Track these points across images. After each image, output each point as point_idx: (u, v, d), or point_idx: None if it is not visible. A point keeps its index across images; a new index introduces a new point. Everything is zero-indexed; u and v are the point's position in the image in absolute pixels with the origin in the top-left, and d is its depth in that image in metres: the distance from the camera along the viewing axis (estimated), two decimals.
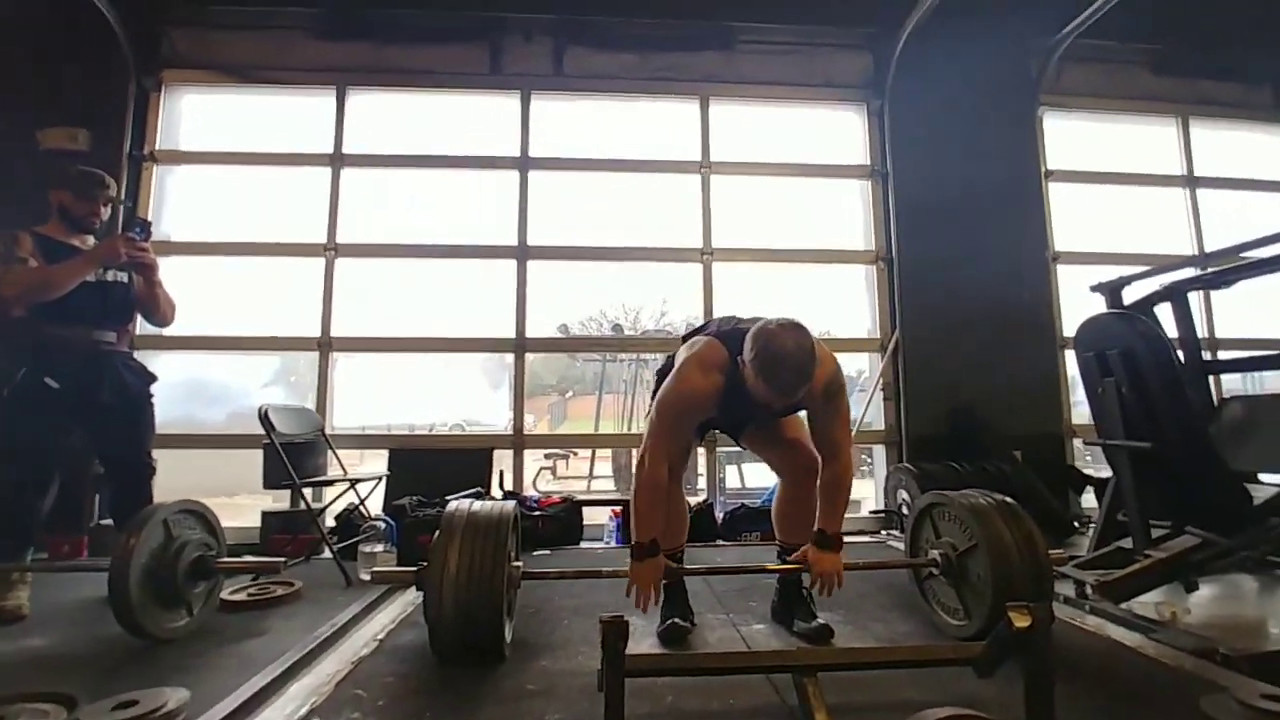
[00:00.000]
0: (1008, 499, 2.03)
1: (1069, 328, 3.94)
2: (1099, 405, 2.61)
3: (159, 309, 2.55)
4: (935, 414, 4.11)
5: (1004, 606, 1.24)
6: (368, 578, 2.38)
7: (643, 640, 1.98)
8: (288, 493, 3.47)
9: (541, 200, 4.36)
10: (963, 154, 4.33)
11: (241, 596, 2.42)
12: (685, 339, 2.05)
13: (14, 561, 2.28)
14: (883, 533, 3.91)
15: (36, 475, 2.34)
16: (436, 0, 4.24)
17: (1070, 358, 4.12)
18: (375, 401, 4.64)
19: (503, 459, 4.08)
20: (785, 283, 4.55)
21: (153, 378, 2.59)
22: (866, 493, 4.54)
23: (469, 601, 1.73)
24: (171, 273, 3.00)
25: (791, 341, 1.66)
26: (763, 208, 4.53)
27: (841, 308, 4.64)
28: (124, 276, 2.47)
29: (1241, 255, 2.87)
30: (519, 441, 4.18)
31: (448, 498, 3.16)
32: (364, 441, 4.37)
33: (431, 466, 3.79)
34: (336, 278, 4.14)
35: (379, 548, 2.94)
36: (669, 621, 2.01)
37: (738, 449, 2.43)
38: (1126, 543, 2.51)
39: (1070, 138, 4.73)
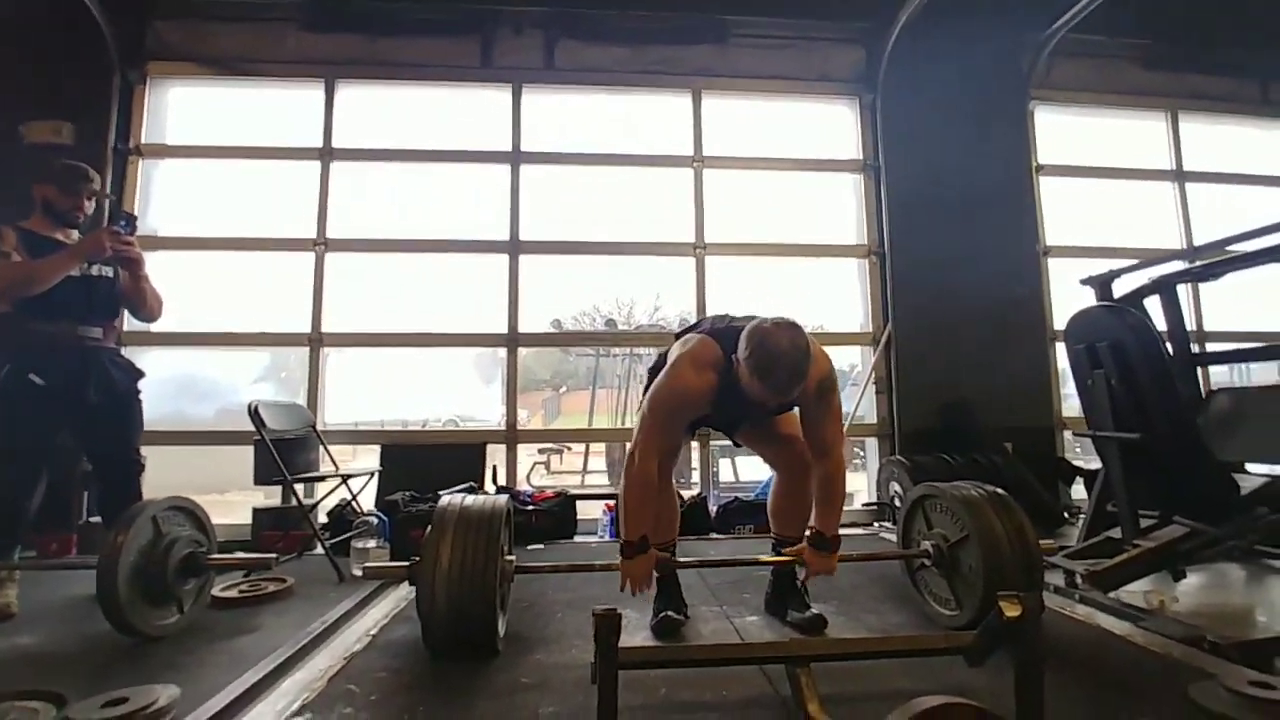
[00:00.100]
0: (999, 490, 2.05)
1: (1059, 321, 3.96)
2: (1089, 397, 2.63)
3: (145, 304, 2.52)
4: (927, 407, 4.14)
5: (995, 596, 1.25)
6: (360, 573, 2.36)
7: (636, 633, 1.99)
8: (279, 489, 3.45)
9: (533, 195, 4.33)
10: (954, 148, 4.34)
11: (233, 593, 2.40)
12: (678, 336, 2.05)
13: (1, 560, 2.26)
14: (875, 525, 3.93)
15: (23, 473, 2.32)
16: None
17: (1061, 351, 4.15)
18: (368, 397, 4.62)
19: (496, 454, 4.07)
20: (778, 277, 4.56)
21: (140, 374, 2.56)
22: (859, 485, 4.56)
23: (461, 596, 1.72)
24: (159, 268, 2.97)
25: (787, 340, 1.66)
26: (755, 202, 4.53)
27: (834, 302, 4.65)
28: (109, 271, 2.44)
29: (1229, 248, 2.90)
30: (512, 436, 4.17)
31: (440, 493, 3.15)
32: (356, 437, 4.36)
33: (424, 462, 3.78)
34: (327, 273, 4.10)
35: (372, 543, 2.92)
36: (662, 614, 2.02)
37: (733, 444, 2.43)
38: (1116, 533, 2.53)
39: (1061, 132, 4.75)
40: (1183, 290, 3.00)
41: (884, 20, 4.27)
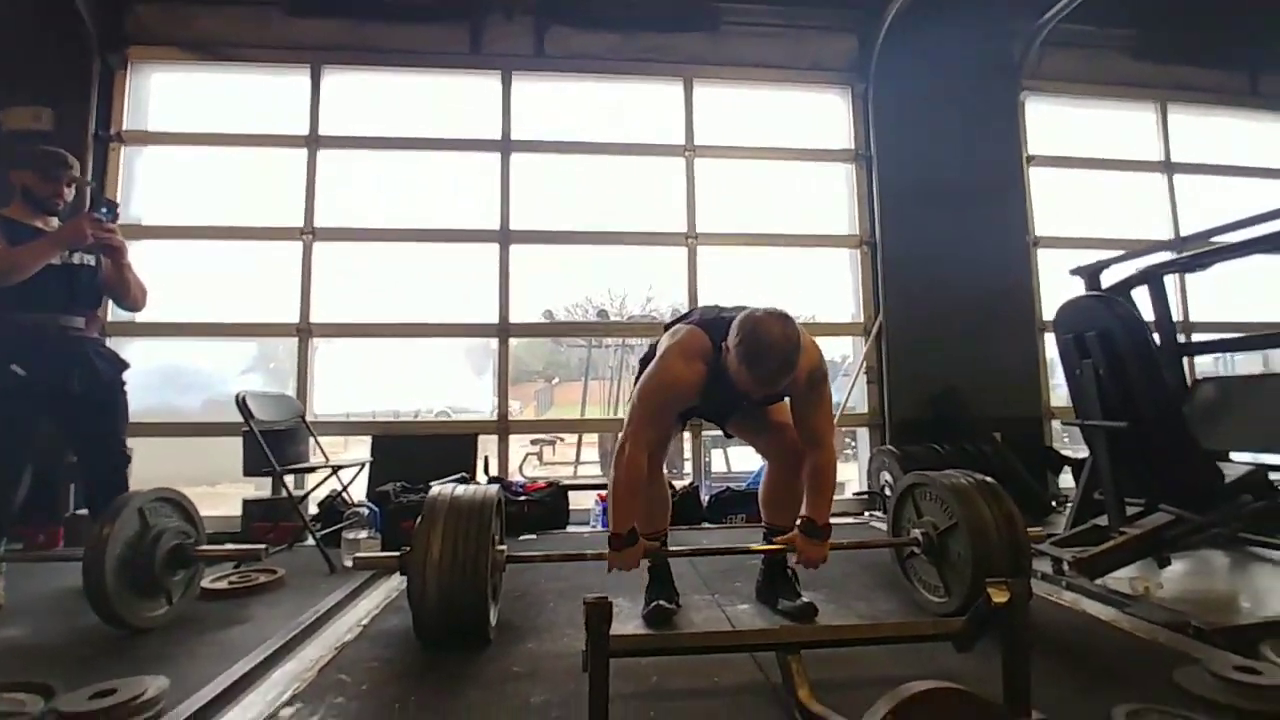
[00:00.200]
0: (988, 479, 2.06)
1: (1048, 311, 3.99)
2: (1077, 386, 2.65)
3: (129, 293, 2.47)
4: (918, 397, 4.16)
5: (983, 583, 1.26)
6: (351, 564, 2.36)
7: (628, 622, 1.99)
8: (270, 481, 3.43)
9: (524, 183, 4.30)
10: (946, 138, 4.34)
11: (223, 585, 2.39)
12: (668, 327, 2.04)
13: None
14: (866, 514, 3.96)
15: (7, 465, 2.28)
16: None
17: (1050, 341, 4.18)
18: (359, 388, 4.58)
19: (488, 445, 4.06)
20: (770, 267, 4.55)
21: (124, 365, 2.52)
22: (850, 475, 4.59)
23: (452, 585, 1.72)
24: (143, 258, 2.93)
25: (778, 330, 1.66)
26: (748, 192, 4.51)
27: (826, 292, 4.66)
28: (91, 260, 2.39)
29: (1214, 239, 2.93)
30: (504, 427, 4.16)
31: (432, 484, 3.14)
32: (347, 428, 4.33)
33: (415, 453, 3.77)
34: (315, 262, 4.06)
35: (363, 534, 2.92)
36: (654, 603, 2.02)
37: (725, 435, 2.43)
38: (1102, 520, 2.57)
39: (1051, 123, 4.76)
40: (1170, 281, 3.03)
41: (876, 9, 4.26)
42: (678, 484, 3.85)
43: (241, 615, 2.13)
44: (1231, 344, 3.83)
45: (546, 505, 3.61)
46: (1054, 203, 4.65)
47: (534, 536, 3.37)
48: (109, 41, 3.90)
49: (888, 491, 3.76)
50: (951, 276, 4.20)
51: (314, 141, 4.14)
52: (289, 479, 3.00)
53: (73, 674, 1.58)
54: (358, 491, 3.43)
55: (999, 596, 1.22)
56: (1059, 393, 4.33)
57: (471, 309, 4.22)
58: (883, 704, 0.92)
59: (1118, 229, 4.59)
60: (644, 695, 1.50)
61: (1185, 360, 3.26)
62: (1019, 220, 4.45)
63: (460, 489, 1.96)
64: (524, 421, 6.19)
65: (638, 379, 1.99)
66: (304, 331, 4.00)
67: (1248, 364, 5.37)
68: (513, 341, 4.27)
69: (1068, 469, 3.86)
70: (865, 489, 4.15)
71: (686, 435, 4.26)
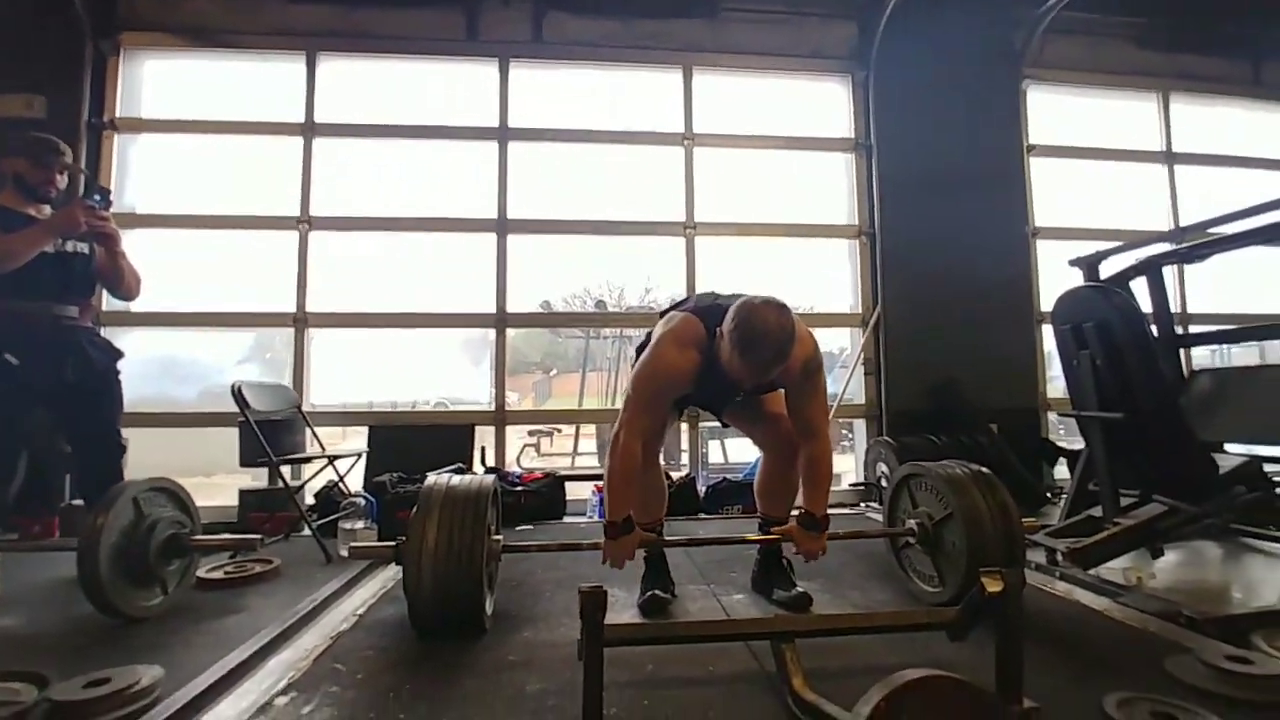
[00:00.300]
0: (983, 469, 2.06)
1: (1047, 303, 3.98)
2: (1074, 377, 2.65)
3: (123, 281, 2.45)
4: (915, 388, 4.16)
5: (977, 572, 1.26)
6: (347, 554, 2.36)
7: (624, 611, 2.00)
8: (266, 471, 3.42)
9: (521, 172, 4.27)
10: (947, 128, 4.31)
11: (219, 575, 2.39)
12: (664, 314, 2.03)
13: None
14: (862, 505, 3.97)
15: (1, 455, 2.28)
16: None
17: (1047, 332, 4.17)
18: (356, 378, 4.57)
19: (485, 435, 4.06)
20: (768, 257, 4.54)
21: (119, 354, 2.50)
22: (847, 466, 4.60)
23: (448, 575, 1.72)
24: (137, 247, 2.91)
25: (773, 319, 1.65)
26: (746, 181, 4.49)
27: (824, 283, 4.65)
28: (85, 248, 2.37)
29: (1212, 230, 2.91)
30: (501, 417, 4.16)
31: (428, 474, 3.14)
32: (343, 418, 4.32)
33: (412, 443, 3.76)
34: (311, 252, 4.04)
35: (359, 524, 2.91)
36: (649, 593, 2.03)
37: (720, 424, 2.43)
38: (1096, 511, 2.57)
39: (1052, 112, 4.73)
40: (1168, 272, 3.02)
41: None
42: (675, 475, 3.86)
43: (237, 605, 2.13)
44: (1228, 335, 3.83)
45: (543, 496, 3.61)
46: (1054, 193, 4.63)
47: (530, 527, 3.38)
48: (101, 27, 3.85)
49: (884, 482, 3.77)
50: (950, 267, 4.19)
51: (309, 129, 4.11)
52: (285, 469, 3.00)
53: (67, 663, 1.58)
54: (354, 482, 3.43)
55: (993, 586, 1.22)
56: (1056, 384, 4.34)
57: (469, 299, 4.21)
58: (876, 692, 0.93)
59: (1118, 220, 4.57)
60: (639, 684, 1.51)
61: (1182, 352, 3.25)
62: (1019, 211, 4.43)
63: (456, 479, 1.96)
64: (521, 412, 6.18)
65: (634, 367, 1.98)
66: (300, 321, 3.98)
67: (1244, 356, 5.38)
68: (510, 332, 4.26)
69: (1063, 461, 3.87)
70: (862, 480, 4.15)
71: (684, 426, 4.26)
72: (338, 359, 4.31)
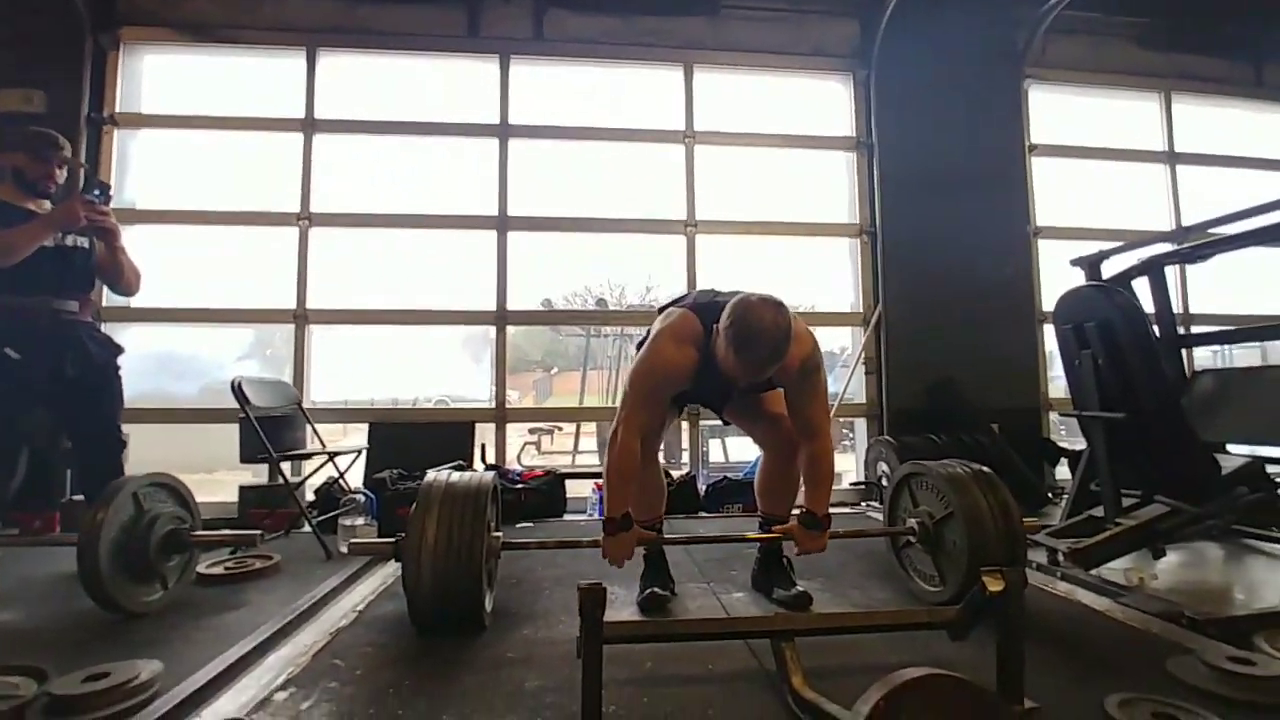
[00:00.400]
0: (984, 468, 2.06)
1: (1048, 303, 3.97)
2: (1076, 377, 2.64)
3: (123, 276, 2.45)
4: (916, 387, 4.15)
5: (978, 572, 1.26)
6: (347, 550, 2.36)
7: (623, 609, 2.00)
8: (267, 468, 3.42)
9: (522, 169, 4.26)
10: (948, 126, 4.30)
11: (219, 570, 2.39)
12: (662, 309, 2.02)
13: None
14: (863, 504, 3.97)
15: (1, 450, 2.27)
16: None
17: (1049, 332, 4.17)
18: (357, 375, 4.57)
19: (485, 433, 4.05)
20: (769, 256, 4.53)
21: (119, 349, 2.50)
22: (847, 465, 4.60)
23: (447, 571, 1.72)
24: (137, 242, 2.91)
25: (769, 318, 1.64)
26: (747, 179, 4.48)
27: (825, 281, 4.64)
28: (84, 242, 2.37)
29: (1213, 231, 2.91)
30: (501, 415, 4.15)
31: (428, 471, 3.14)
32: (344, 415, 4.32)
33: (412, 440, 3.76)
34: (311, 248, 4.03)
35: (359, 521, 2.92)
36: (648, 590, 2.03)
37: (721, 423, 2.43)
38: (1098, 511, 2.56)
39: (1054, 112, 4.71)
40: (1170, 272, 3.02)
41: None
42: (675, 473, 3.86)
43: (237, 600, 2.13)
44: (1230, 336, 3.82)
45: (543, 493, 3.61)
46: (1056, 193, 4.62)
47: (531, 524, 3.38)
48: (101, 22, 3.85)
49: (885, 482, 3.77)
50: (951, 267, 4.18)
51: (309, 125, 4.10)
52: (285, 466, 3.00)
53: (66, 658, 1.58)
54: (354, 478, 3.43)
55: (994, 585, 1.21)
56: (1057, 384, 4.33)
57: (469, 296, 4.20)
58: (875, 691, 0.92)
59: (1119, 220, 4.56)
60: (638, 681, 1.50)
61: (1184, 352, 3.25)
62: (1020, 210, 4.42)
63: (455, 475, 1.96)
64: (522, 410, 6.19)
65: (632, 363, 1.98)
66: (300, 318, 3.98)
67: (1246, 357, 5.38)
68: (511, 330, 4.25)
69: (1064, 461, 3.86)
70: (862, 479, 4.15)
71: (684, 424, 4.25)
72: (338, 356, 4.30)
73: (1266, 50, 4.90)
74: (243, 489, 3.52)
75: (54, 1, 3.66)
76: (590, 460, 6.38)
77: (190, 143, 4.15)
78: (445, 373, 5.10)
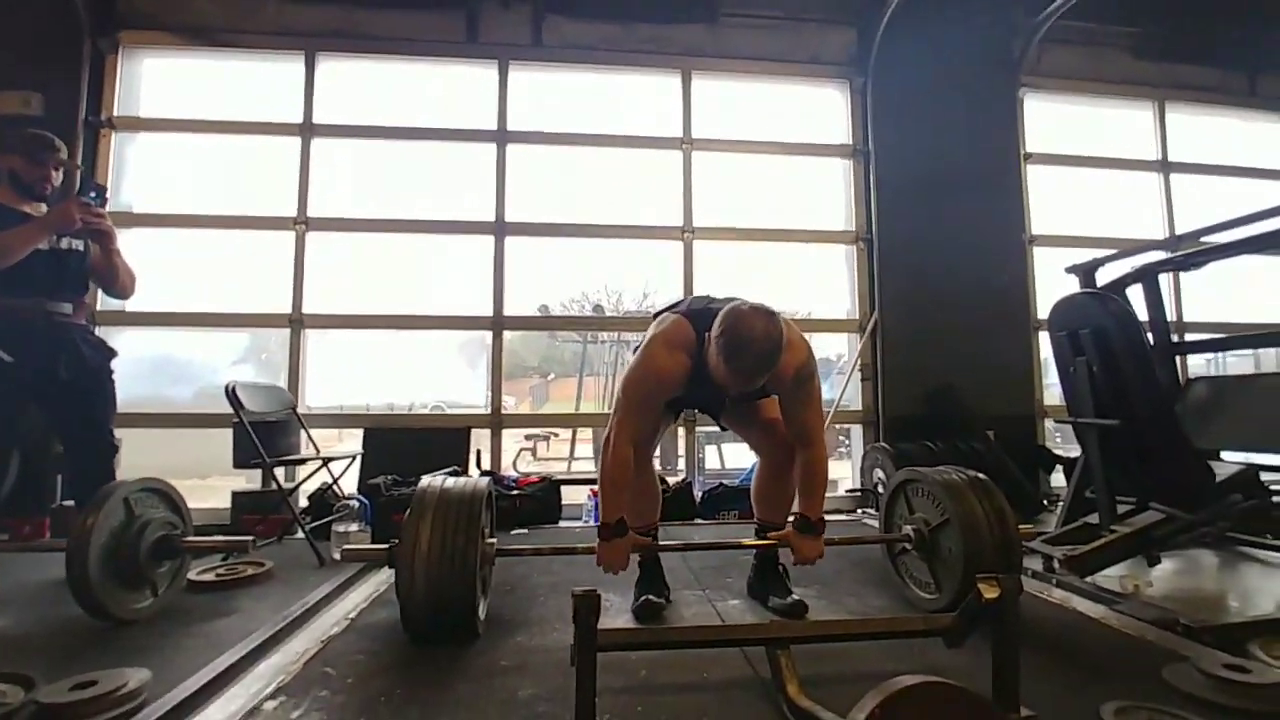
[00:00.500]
0: (980, 475, 2.05)
1: (1043, 310, 3.99)
2: (1070, 384, 2.65)
3: (118, 279, 2.45)
4: (912, 394, 4.16)
5: (974, 579, 1.26)
6: (340, 557, 2.34)
7: (618, 616, 1.98)
8: (261, 474, 3.40)
9: (520, 175, 4.27)
10: (944, 135, 4.33)
11: (210, 577, 2.37)
12: (656, 315, 2.02)
13: None
14: (859, 511, 3.96)
15: None
16: None
17: (1044, 340, 4.19)
18: (353, 381, 4.56)
19: (481, 439, 4.04)
20: (766, 262, 4.54)
21: (112, 352, 2.49)
22: (843, 472, 4.60)
23: (441, 578, 1.71)
24: (133, 246, 2.90)
25: (760, 327, 1.63)
26: (745, 186, 4.49)
27: (822, 288, 4.65)
28: (80, 245, 2.36)
29: (1206, 239, 2.93)
30: (497, 421, 4.14)
31: (423, 476, 3.13)
32: (339, 421, 4.31)
33: (408, 446, 3.74)
34: (308, 252, 4.02)
35: (353, 527, 2.90)
36: (643, 598, 2.02)
37: (717, 429, 2.42)
38: (1093, 518, 2.57)
39: (1049, 121, 4.75)
40: (1164, 280, 3.03)
41: (876, 2, 4.23)
42: (671, 480, 3.85)
43: (228, 608, 2.11)
44: (1224, 343, 3.84)
45: (539, 500, 3.59)
46: (1051, 201, 4.64)
47: (526, 531, 3.36)
48: (100, 25, 3.85)
49: (880, 489, 3.76)
50: (948, 274, 4.19)
51: (308, 130, 4.10)
52: (279, 471, 2.98)
53: (54, 665, 1.56)
54: (349, 484, 3.41)
55: (989, 593, 1.21)
56: (1053, 391, 4.34)
57: (466, 301, 4.20)
58: (871, 698, 0.91)
59: (1114, 228, 4.59)
60: (633, 689, 1.49)
61: (1178, 359, 3.26)
62: (1016, 218, 4.45)
63: (450, 481, 1.95)
64: (518, 415, 6.17)
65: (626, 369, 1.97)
66: (296, 322, 3.96)
67: (1239, 365, 5.40)
68: (507, 335, 4.24)
69: (1060, 468, 3.87)
70: (858, 486, 4.15)
71: (680, 431, 4.25)
72: (334, 360, 4.29)
73: (1260, 60, 4.95)
74: (235, 495, 3.49)
75: (53, 5, 3.66)
76: (586, 466, 6.37)
77: (188, 146, 4.14)
78: (441, 378, 5.09)
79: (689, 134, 4.38)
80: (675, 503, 3.57)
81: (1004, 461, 3.73)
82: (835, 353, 5.06)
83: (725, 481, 3.97)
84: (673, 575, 2.22)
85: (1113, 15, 4.52)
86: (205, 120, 4.08)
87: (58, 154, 2.38)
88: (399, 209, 4.19)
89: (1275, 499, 2.50)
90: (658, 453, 2.36)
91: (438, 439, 3.84)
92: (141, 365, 3.85)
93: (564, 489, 3.77)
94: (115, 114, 3.92)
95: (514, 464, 5.75)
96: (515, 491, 3.57)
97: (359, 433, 3.94)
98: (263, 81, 4.19)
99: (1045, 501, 3.82)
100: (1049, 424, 4.42)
